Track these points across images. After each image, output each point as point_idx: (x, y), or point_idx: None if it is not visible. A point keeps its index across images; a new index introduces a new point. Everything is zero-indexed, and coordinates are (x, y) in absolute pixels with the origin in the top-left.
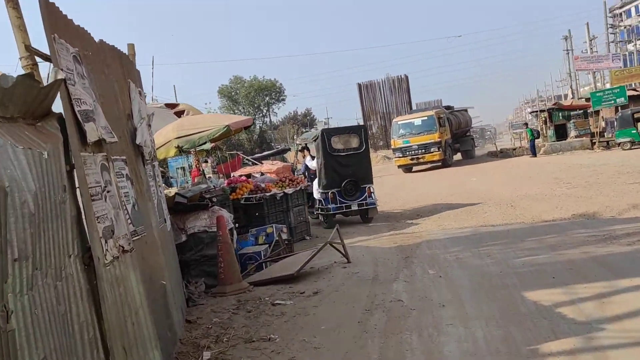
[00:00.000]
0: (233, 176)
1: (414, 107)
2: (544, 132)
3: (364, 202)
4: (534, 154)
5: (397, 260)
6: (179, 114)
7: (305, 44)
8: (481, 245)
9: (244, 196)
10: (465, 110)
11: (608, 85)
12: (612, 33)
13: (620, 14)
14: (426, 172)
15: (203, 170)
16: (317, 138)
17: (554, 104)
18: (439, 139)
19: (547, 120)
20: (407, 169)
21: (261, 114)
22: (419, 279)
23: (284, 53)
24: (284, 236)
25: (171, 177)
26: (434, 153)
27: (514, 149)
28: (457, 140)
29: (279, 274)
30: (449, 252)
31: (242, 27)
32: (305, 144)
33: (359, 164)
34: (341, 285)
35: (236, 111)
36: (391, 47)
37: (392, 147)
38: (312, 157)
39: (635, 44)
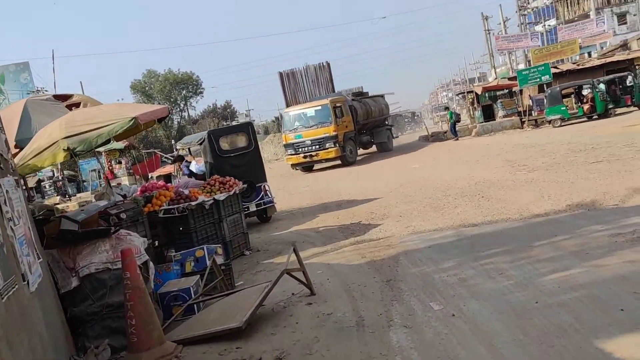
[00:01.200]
0: (151, 179)
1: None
2: (471, 113)
3: (261, 201)
4: (456, 136)
5: (378, 286)
6: (73, 107)
7: (220, 34)
8: (479, 256)
9: (162, 207)
10: (381, 97)
11: (522, 66)
12: (523, 14)
13: None
14: (361, 164)
15: (115, 173)
16: (204, 140)
17: (477, 85)
18: (334, 133)
19: (475, 101)
20: (306, 167)
21: (179, 109)
22: (425, 322)
23: (196, 42)
24: (220, 259)
25: (84, 181)
26: (329, 149)
27: (445, 132)
28: (368, 131)
29: (219, 327)
30: (443, 270)
31: (155, 18)
32: (178, 155)
33: (250, 163)
34: (314, 340)
35: None
36: (312, 33)
37: (283, 142)
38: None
39: (544, 25)
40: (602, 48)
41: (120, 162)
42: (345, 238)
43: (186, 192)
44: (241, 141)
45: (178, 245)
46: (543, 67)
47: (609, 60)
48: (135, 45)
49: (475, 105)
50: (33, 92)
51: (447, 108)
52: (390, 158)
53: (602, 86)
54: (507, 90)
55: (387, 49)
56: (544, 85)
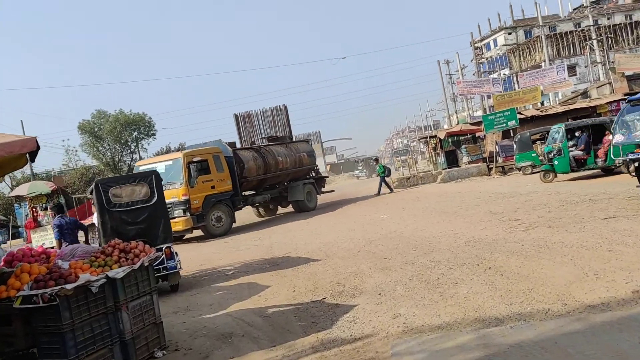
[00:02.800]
0: (25, 246)
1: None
2: (434, 159)
3: (160, 267)
4: (390, 190)
5: None
6: None
7: (176, 74)
8: None
9: (20, 294)
10: (304, 142)
11: (480, 112)
12: (480, 62)
13: (481, 47)
14: (322, 212)
15: (39, 221)
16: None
17: (438, 131)
18: (184, 197)
19: (438, 146)
20: (177, 238)
21: (129, 150)
22: None
23: (150, 83)
24: None
25: (18, 227)
26: (177, 219)
27: (408, 178)
28: (277, 187)
29: None
30: None
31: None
32: (56, 203)
33: (150, 219)
34: None
35: (100, 148)
36: (272, 76)
37: None
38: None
39: (500, 74)
40: (556, 97)
41: (46, 209)
42: (304, 333)
43: (65, 265)
44: (140, 193)
45: (44, 352)
46: (509, 112)
47: (572, 107)
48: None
49: (439, 151)
50: None
51: (376, 160)
52: (353, 205)
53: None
54: (471, 136)
55: (345, 94)
56: (510, 130)
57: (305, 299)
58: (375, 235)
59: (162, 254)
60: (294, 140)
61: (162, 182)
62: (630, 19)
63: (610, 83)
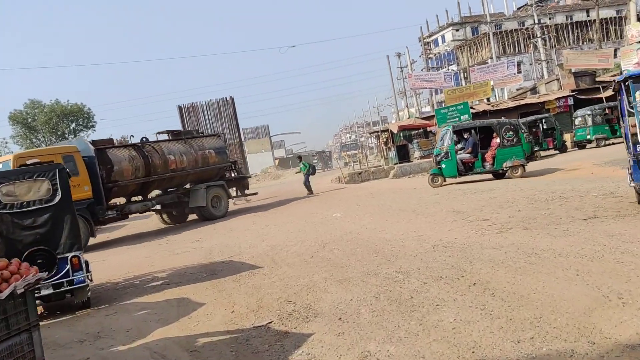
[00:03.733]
0: None
1: (241, 134)
2: (385, 153)
3: (63, 280)
4: (310, 191)
5: None
6: None
7: (119, 63)
8: None
9: None
10: (215, 136)
11: (429, 108)
12: (429, 57)
13: (429, 43)
14: (266, 210)
15: None
16: None
17: (389, 124)
18: None
19: (389, 140)
20: None
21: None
22: None
23: (89, 73)
24: None
25: None
26: None
27: (359, 173)
28: (178, 191)
29: None
30: None
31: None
32: None
33: (52, 222)
34: None
35: (34, 140)
36: (219, 71)
37: None
38: None
39: (448, 69)
40: (502, 93)
41: None
42: None
43: None
44: (39, 190)
45: None
46: (462, 106)
47: (523, 102)
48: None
49: (390, 145)
50: None
51: (299, 158)
52: (303, 201)
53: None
54: (422, 130)
55: (295, 88)
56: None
57: (247, 322)
58: (329, 236)
59: (67, 265)
60: (200, 134)
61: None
62: (571, 19)
63: (558, 79)
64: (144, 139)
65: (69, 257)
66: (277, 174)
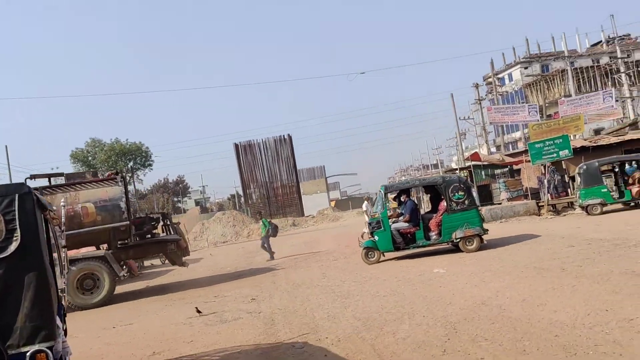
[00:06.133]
0: None
1: (299, 174)
2: None
3: None
4: (271, 256)
5: None
6: None
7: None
8: None
9: None
10: (111, 180)
11: (493, 149)
12: (490, 99)
13: (494, 82)
14: (331, 255)
15: None
16: None
17: (471, 156)
18: None
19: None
20: None
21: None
22: None
23: (149, 113)
24: None
25: None
26: None
27: None
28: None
29: None
30: None
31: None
32: None
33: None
34: None
35: None
36: (277, 111)
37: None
38: None
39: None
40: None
41: None
42: None
43: None
44: None
45: None
46: (561, 140)
47: (627, 138)
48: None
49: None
50: None
51: (260, 213)
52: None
53: None
54: (508, 168)
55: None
56: (545, 165)
57: None
58: (451, 309)
59: None
60: (84, 180)
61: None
62: None
63: None
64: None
65: (27, 355)
66: (335, 215)
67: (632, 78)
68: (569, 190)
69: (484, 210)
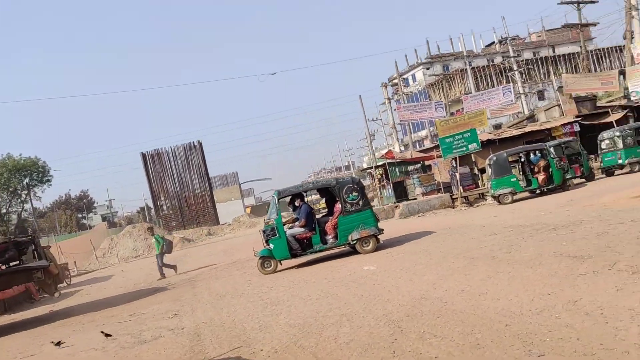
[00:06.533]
0: None
1: (212, 182)
2: (379, 192)
3: None
4: (162, 275)
5: None
6: None
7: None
8: None
9: None
10: None
11: (396, 147)
12: (396, 100)
13: (399, 83)
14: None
15: None
16: None
17: (385, 155)
18: None
19: (384, 177)
20: None
21: (20, 200)
22: None
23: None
24: None
25: None
26: None
27: None
28: None
29: None
30: None
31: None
32: None
33: None
34: None
35: None
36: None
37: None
38: None
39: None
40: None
41: None
42: None
43: None
44: None
45: None
46: (469, 134)
47: (527, 130)
48: None
49: (384, 183)
50: None
51: (151, 229)
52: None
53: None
54: (420, 165)
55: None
56: (455, 159)
57: None
58: (391, 307)
59: None
60: None
61: None
62: (538, 54)
63: (559, 105)
64: None
65: None
66: (252, 222)
67: (524, 75)
68: (478, 182)
69: (402, 206)
